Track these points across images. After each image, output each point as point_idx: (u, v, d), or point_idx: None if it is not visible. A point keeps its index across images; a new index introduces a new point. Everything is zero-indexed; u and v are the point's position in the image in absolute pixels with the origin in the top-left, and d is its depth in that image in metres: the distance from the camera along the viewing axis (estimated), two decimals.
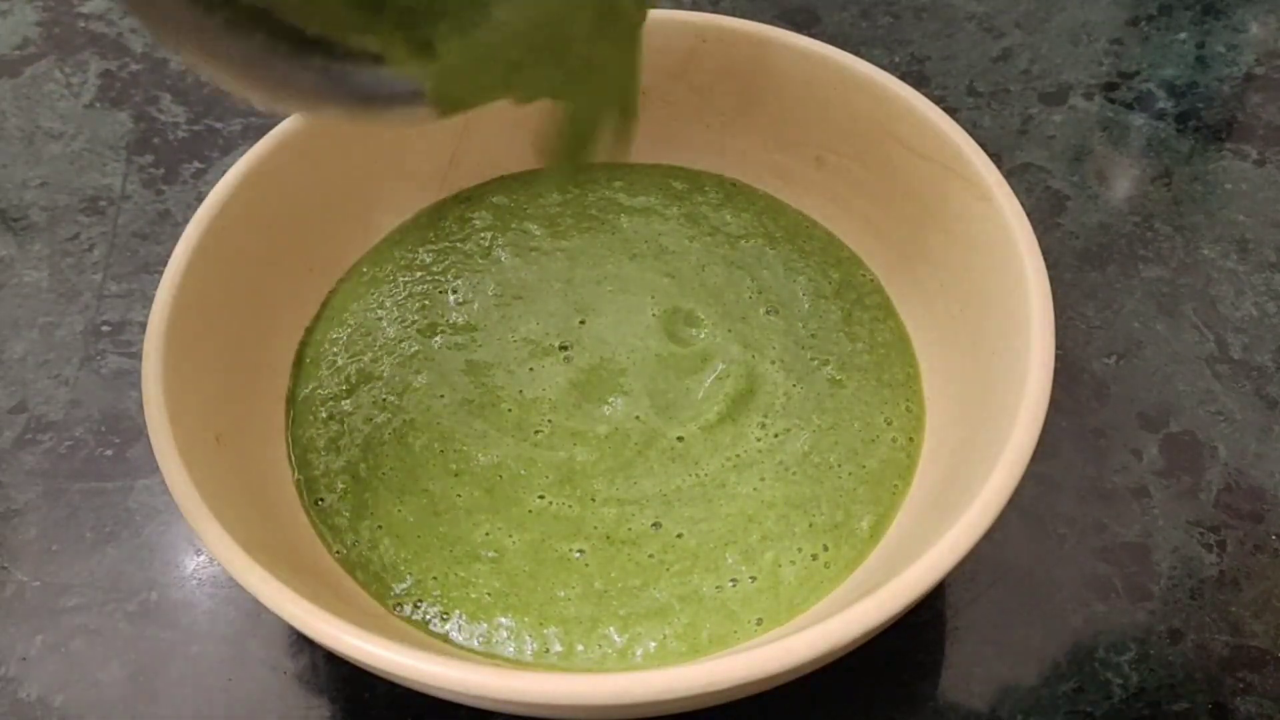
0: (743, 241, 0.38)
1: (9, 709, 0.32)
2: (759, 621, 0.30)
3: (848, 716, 0.32)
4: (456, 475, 0.32)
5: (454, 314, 0.36)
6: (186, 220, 0.32)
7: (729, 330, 0.36)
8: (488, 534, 0.31)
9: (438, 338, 0.36)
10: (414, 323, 0.36)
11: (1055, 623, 0.33)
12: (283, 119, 0.35)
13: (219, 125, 0.48)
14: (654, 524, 0.31)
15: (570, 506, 0.31)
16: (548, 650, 0.29)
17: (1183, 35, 0.50)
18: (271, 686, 0.32)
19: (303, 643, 0.33)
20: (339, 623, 0.24)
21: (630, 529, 0.31)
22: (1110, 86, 0.48)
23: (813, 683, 0.32)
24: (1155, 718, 0.31)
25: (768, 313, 0.36)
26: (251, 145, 0.34)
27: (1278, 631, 0.33)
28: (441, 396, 0.34)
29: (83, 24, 0.52)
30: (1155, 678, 0.32)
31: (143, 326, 0.41)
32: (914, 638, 0.33)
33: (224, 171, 0.34)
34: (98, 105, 0.49)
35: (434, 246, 0.38)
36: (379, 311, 0.36)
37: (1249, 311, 0.40)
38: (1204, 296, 0.41)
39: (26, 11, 0.53)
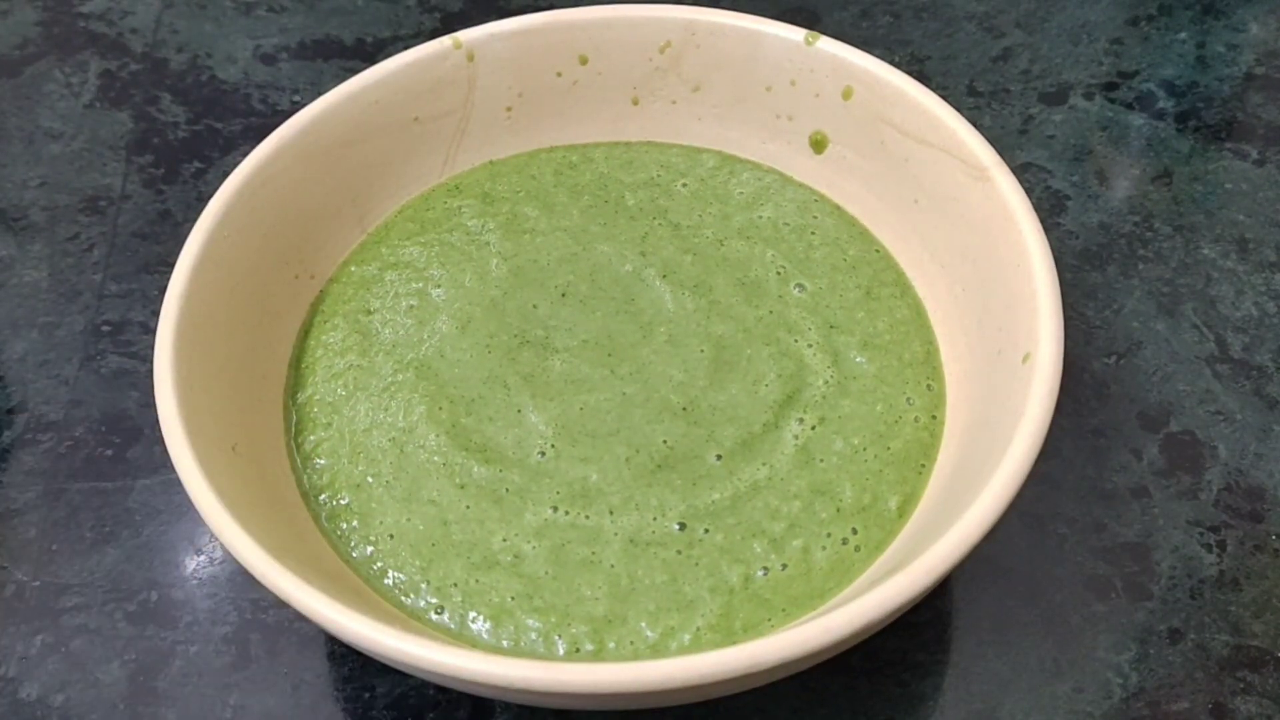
0: (754, 213, 0.38)
1: (9, 709, 0.32)
2: (793, 608, 0.29)
3: (848, 716, 0.32)
4: (462, 488, 0.31)
5: (443, 312, 0.35)
6: (186, 220, 0.32)
7: (769, 312, 0.35)
8: (504, 540, 0.30)
9: (428, 341, 0.35)
10: (402, 323, 0.35)
11: (1055, 623, 0.33)
12: (282, 119, 0.35)
13: (219, 125, 0.48)
14: (679, 524, 0.31)
15: (586, 518, 0.31)
16: (578, 649, 0.29)
17: (1183, 35, 0.50)
18: (271, 687, 0.32)
19: (302, 643, 0.33)
20: (384, 628, 0.25)
21: (654, 532, 0.30)
22: (1110, 86, 0.48)
23: (813, 682, 0.32)
24: (1155, 718, 0.31)
25: (797, 289, 0.35)
26: (252, 145, 0.34)
27: (1278, 631, 0.33)
28: (440, 408, 0.33)
29: (82, 24, 0.52)
30: (1155, 677, 0.32)
31: (143, 326, 0.41)
32: (914, 637, 0.33)
33: (224, 171, 0.34)
34: (97, 105, 0.49)
35: (421, 239, 0.37)
36: (369, 314, 0.36)
37: (1249, 311, 0.40)
38: (1204, 296, 0.41)
39: (26, 11, 0.53)
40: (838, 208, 0.38)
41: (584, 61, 0.39)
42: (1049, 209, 0.44)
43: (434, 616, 0.30)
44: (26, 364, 0.40)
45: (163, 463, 0.37)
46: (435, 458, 0.32)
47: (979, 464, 0.28)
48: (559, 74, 0.39)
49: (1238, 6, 0.51)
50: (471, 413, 0.33)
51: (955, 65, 0.49)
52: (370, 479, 0.32)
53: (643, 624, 0.29)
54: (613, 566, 0.30)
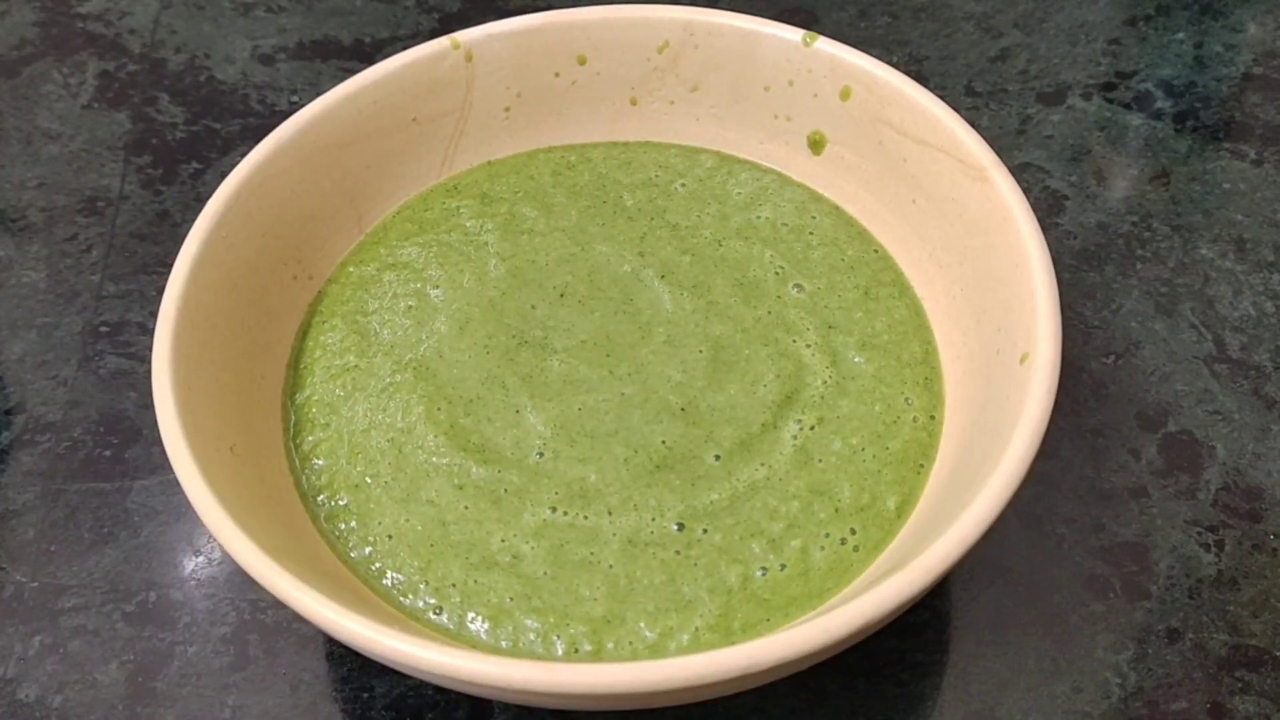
0: (752, 214, 0.38)
1: (7, 709, 0.32)
2: (791, 608, 0.29)
3: (847, 716, 0.32)
4: (460, 488, 0.31)
5: (442, 312, 0.35)
6: (185, 221, 0.32)
7: (768, 312, 0.35)
8: (503, 540, 0.30)
9: (426, 342, 0.35)
10: (401, 323, 0.35)
11: (1053, 622, 0.33)
12: (280, 119, 0.35)
13: (217, 126, 0.48)
14: (677, 525, 0.31)
15: (585, 518, 0.31)
16: (577, 649, 0.29)
17: (1180, 35, 0.50)
18: (269, 687, 0.32)
19: (300, 644, 0.33)
20: (382, 629, 0.25)
21: (652, 532, 0.30)
22: (1108, 86, 0.48)
23: (812, 682, 0.32)
24: (1153, 717, 0.31)
25: (796, 289, 0.35)
26: (250, 146, 0.34)
27: (1276, 631, 0.33)
28: (439, 409, 0.33)
29: (80, 24, 0.52)
30: (1153, 677, 0.32)
31: (141, 327, 0.41)
32: (914, 638, 0.33)
33: (222, 172, 0.34)
34: (96, 106, 0.49)
35: (419, 239, 0.37)
36: (368, 315, 0.35)
37: (1247, 311, 0.40)
38: (1202, 296, 0.41)
39: (24, 12, 0.53)
40: (836, 208, 0.38)
41: (582, 62, 0.39)
42: (1047, 209, 0.44)
43: (432, 617, 0.30)
44: (25, 365, 0.40)
45: (161, 463, 0.37)
46: (434, 458, 0.32)
47: (977, 464, 0.29)
48: (557, 74, 0.39)
49: (1235, 7, 0.51)
50: (470, 413, 0.33)
51: (953, 65, 0.49)
52: (369, 479, 0.32)
53: (641, 624, 0.29)
54: (611, 567, 0.30)
